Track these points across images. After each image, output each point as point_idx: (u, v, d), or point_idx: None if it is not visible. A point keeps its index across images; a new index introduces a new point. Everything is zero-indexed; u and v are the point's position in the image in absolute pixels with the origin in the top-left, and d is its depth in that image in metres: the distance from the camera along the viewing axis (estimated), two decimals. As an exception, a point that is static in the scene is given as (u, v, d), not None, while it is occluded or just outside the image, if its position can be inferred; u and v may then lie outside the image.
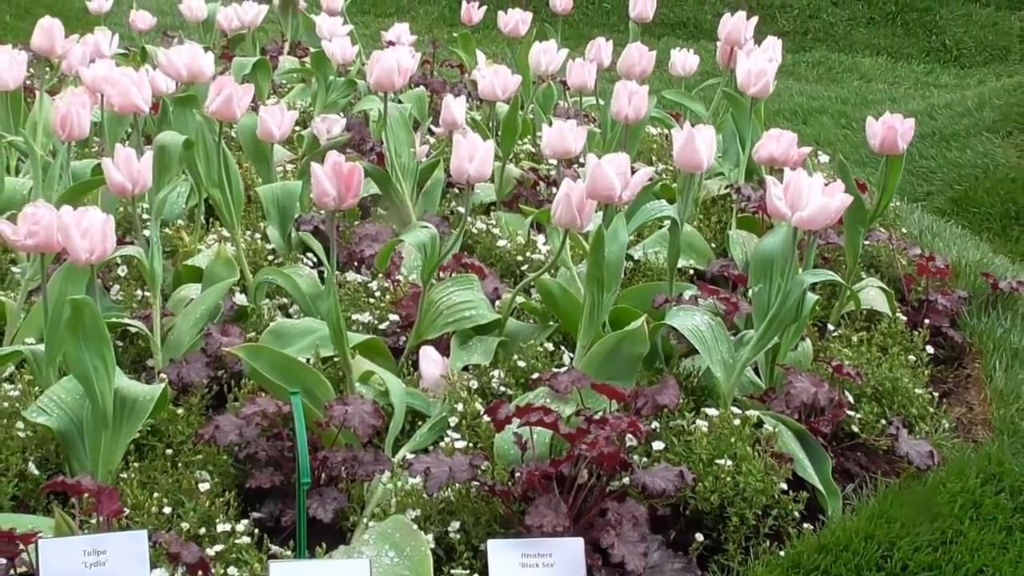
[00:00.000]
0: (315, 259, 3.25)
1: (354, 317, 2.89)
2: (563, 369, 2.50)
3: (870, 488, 2.49)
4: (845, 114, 6.97)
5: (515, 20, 4.53)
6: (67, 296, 2.20)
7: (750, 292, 2.64)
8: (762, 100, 3.50)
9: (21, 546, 1.92)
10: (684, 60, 4.42)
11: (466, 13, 5.02)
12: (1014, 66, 8.15)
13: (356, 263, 3.18)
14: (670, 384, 2.42)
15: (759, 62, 3.37)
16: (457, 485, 2.20)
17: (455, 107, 3.49)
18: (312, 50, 4.73)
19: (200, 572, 1.96)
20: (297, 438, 1.98)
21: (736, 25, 3.85)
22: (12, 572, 1.92)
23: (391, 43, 4.59)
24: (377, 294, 2.99)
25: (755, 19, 3.95)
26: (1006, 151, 5.79)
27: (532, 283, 2.85)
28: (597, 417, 2.21)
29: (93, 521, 2.05)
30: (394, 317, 2.89)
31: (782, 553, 2.24)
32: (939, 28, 8.56)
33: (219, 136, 2.90)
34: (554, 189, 3.38)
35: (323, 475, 2.29)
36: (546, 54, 3.91)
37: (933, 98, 7.13)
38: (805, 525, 2.31)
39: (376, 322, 2.89)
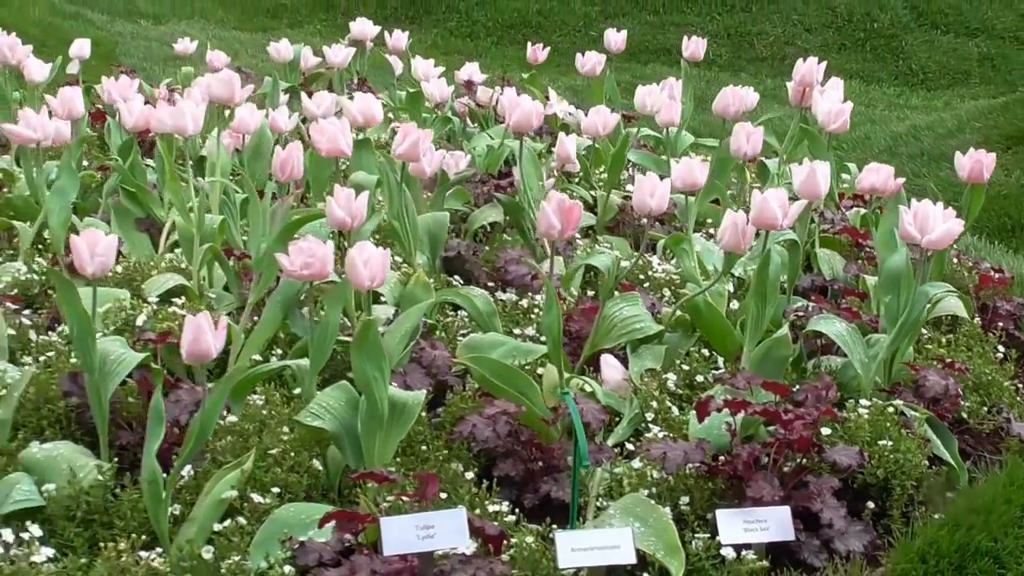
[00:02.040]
0: (460, 281, 3.66)
1: (515, 331, 3.33)
2: (724, 371, 2.98)
3: (987, 464, 2.99)
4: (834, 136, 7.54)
5: (592, 62, 5.00)
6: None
7: (874, 303, 3.13)
8: (840, 135, 4.02)
9: (360, 525, 2.33)
10: (742, 96, 4.87)
11: (532, 54, 5.48)
12: (974, 88, 8.81)
13: (503, 284, 3.61)
14: (826, 380, 2.90)
15: (836, 102, 3.88)
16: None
17: (568, 144, 3.95)
18: (369, 86, 5.15)
19: (499, 543, 2.39)
20: (575, 429, 2.41)
21: (809, 69, 4.35)
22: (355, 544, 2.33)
23: (469, 83, 5.02)
24: (535, 311, 3.42)
25: (824, 63, 4.47)
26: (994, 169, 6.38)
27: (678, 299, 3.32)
28: (789, 409, 2.68)
29: (386, 504, 2.47)
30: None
31: (936, 516, 2.73)
32: (905, 54, 9.19)
33: (401, 176, 3.32)
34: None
35: (550, 464, 2.73)
36: (651, 96, 4.37)
37: (911, 119, 7.74)
38: (948, 495, 2.81)
39: (538, 335, 3.32)
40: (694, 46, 5.05)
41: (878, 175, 3.58)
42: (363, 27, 5.67)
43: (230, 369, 3.05)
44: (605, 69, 5.02)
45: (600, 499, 2.68)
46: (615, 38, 5.24)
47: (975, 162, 3.40)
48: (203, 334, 2.31)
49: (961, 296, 3.68)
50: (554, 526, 2.54)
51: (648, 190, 2.97)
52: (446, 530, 2.31)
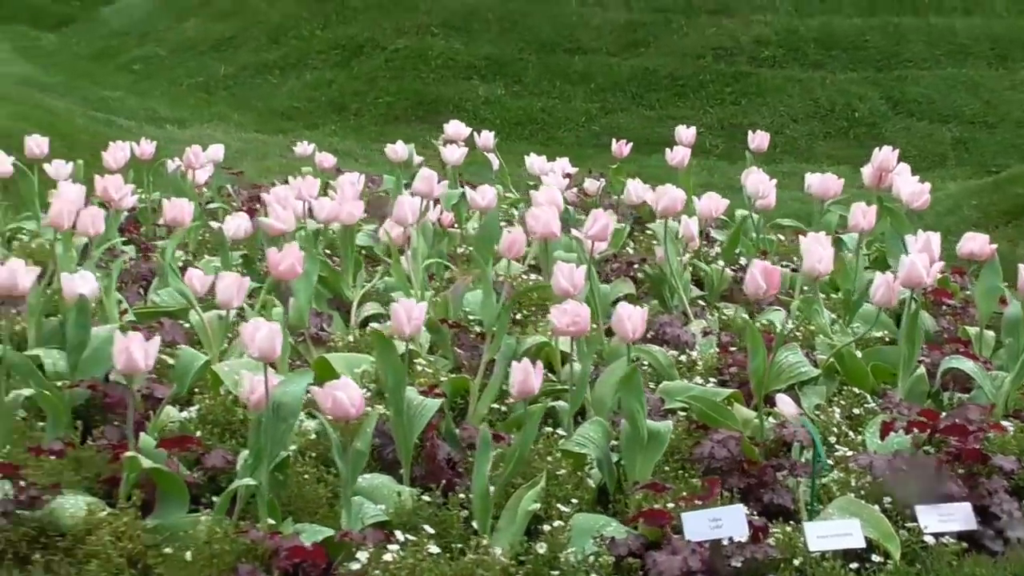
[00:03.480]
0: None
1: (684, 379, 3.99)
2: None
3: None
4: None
5: (680, 155, 5.75)
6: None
7: (977, 347, 3.85)
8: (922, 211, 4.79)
9: (665, 520, 2.96)
10: (824, 183, 5.50)
11: (617, 150, 6.21)
12: (952, 169, 9.73)
13: (662, 342, 4.27)
14: (971, 407, 3.59)
15: (915, 183, 4.65)
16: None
17: (692, 225, 4.66)
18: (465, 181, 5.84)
19: (764, 532, 3.03)
20: (815, 444, 3.08)
21: (886, 157, 5.11)
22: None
23: (568, 175, 5.72)
24: (699, 363, 4.09)
25: (898, 150, 5.25)
26: (999, 244, 7.21)
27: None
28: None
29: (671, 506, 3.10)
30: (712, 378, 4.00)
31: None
32: (886, 140, 10.08)
33: (590, 254, 4.00)
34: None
35: (762, 479, 3.37)
36: (763, 185, 5.08)
37: (906, 200, 8.58)
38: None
39: (704, 382, 3.98)
40: (760, 139, 5.83)
41: (975, 242, 4.33)
42: (457, 128, 6.36)
43: (469, 415, 3.68)
44: (689, 161, 5.77)
45: (811, 503, 3.33)
46: (686, 134, 5.99)
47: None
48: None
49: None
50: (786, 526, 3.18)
51: (817, 256, 3.68)
52: (730, 522, 2.94)
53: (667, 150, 5.89)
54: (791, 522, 3.17)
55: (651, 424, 3.30)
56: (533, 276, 4.89)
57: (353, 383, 2.98)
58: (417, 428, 3.27)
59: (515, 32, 11.80)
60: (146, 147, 5.52)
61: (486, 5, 12.15)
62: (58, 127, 9.98)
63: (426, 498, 3.15)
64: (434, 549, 2.85)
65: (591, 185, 5.67)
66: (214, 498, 3.14)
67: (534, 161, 5.66)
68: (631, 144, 6.61)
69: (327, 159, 6.07)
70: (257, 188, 6.13)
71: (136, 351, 3.01)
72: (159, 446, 3.24)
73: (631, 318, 3.29)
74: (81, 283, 3.61)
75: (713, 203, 4.80)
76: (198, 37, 13.72)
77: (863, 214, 4.48)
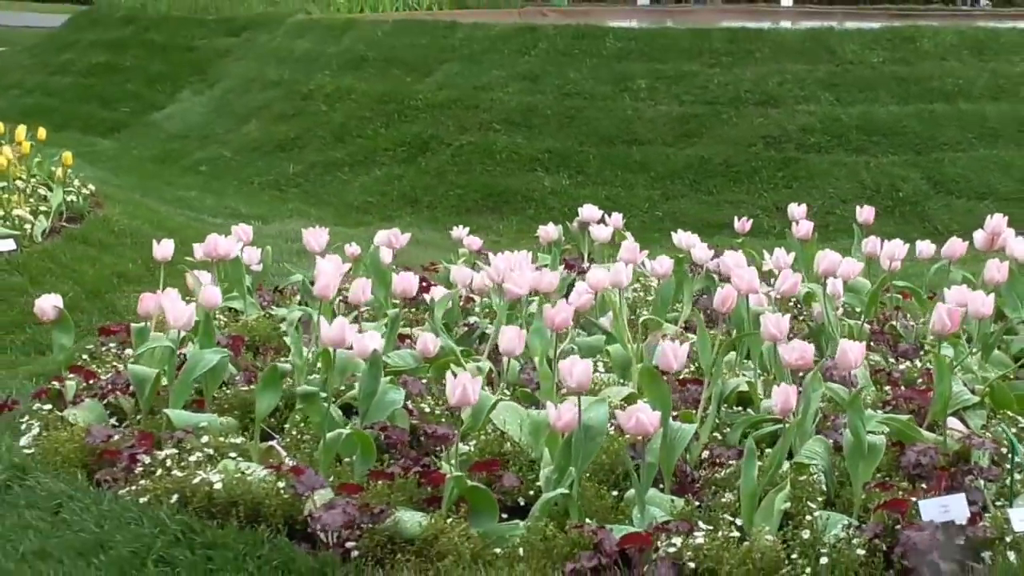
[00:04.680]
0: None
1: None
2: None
3: None
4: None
5: (805, 229, 6.51)
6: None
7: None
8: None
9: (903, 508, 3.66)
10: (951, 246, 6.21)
11: (740, 226, 6.97)
12: (993, 242, 10.53)
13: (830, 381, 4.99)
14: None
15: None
16: None
17: (838, 285, 5.43)
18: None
19: (979, 517, 3.73)
20: (1012, 451, 3.79)
21: (999, 221, 5.92)
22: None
23: (712, 247, 6.46)
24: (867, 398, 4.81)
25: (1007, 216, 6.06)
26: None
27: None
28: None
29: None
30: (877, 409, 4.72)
31: None
32: (929, 217, 10.95)
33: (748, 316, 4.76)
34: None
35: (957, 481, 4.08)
36: (898, 250, 5.85)
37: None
38: None
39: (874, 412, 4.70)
40: (867, 213, 6.64)
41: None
42: (590, 211, 7.12)
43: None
44: (815, 235, 6.55)
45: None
46: (798, 211, 6.77)
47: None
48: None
49: None
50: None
51: (980, 302, 4.43)
52: (955, 508, 3.65)
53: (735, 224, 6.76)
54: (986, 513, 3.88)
55: (869, 438, 4.02)
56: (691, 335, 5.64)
57: (648, 407, 3.70)
58: (678, 449, 3.98)
59: (573, 127, 12.64)
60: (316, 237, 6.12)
61: (544, 103, 13.01)
62: (166, 224, 10.75)
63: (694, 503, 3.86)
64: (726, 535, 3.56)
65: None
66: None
67: (681, 236, 6.41)
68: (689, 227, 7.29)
69: (474, 242, 6.81)
70: (431, 268, 6.94)
71: (470, 388, 3.72)
72: (472, 469, 3.94)
73: (854, 351, 4.03)
74: (370, 341, 4.32)
75: (851, 267, 5.56)
76: (262, 138, 14.51)
77: (997, 269, 5.25)
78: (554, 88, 13.25)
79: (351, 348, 4.35)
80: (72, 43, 20.60)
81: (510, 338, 4.23)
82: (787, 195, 11.36)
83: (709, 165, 11.80)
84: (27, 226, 8.60)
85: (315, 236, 5.82)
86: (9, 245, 8.34)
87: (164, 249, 5.47)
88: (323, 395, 4.27)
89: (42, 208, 9.04)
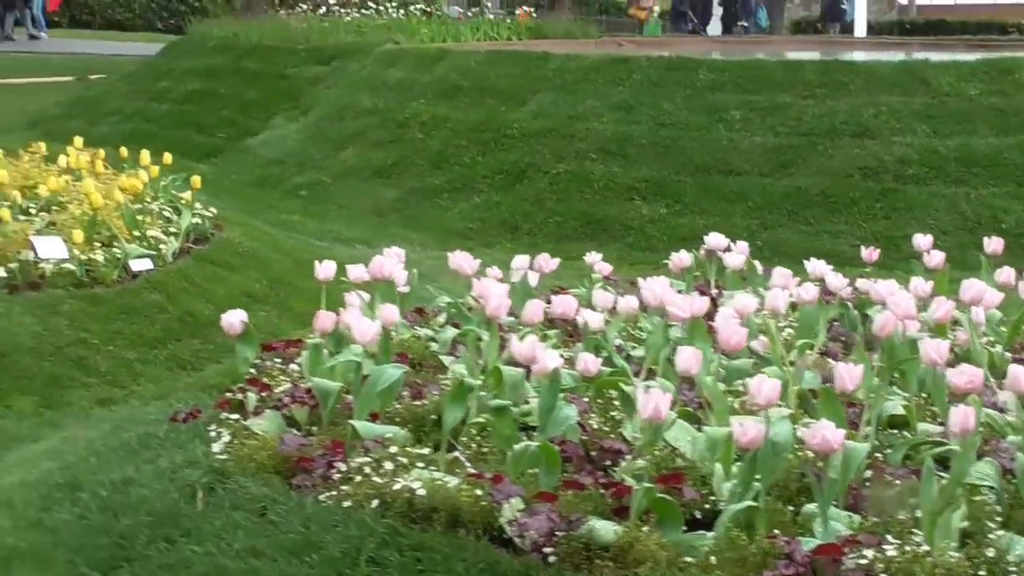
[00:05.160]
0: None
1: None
2: None
3: None
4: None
5: (938, 259, 6.69)
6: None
7: None
8: None
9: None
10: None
11: (867, 255, 7.15)
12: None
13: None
14: None
15: None
16: None
17: (980, 314, 5.60)
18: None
19: None
20: None
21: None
22: None
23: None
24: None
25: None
26: None
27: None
28: None
29: None
30: None
31: None
32: None
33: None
34: None
35: None
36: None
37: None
38: None
39: None
40: (995, 244, 6.80)
41: None
42: (717, 240, 7.33)
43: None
44: (947, 264, 6.74)
45: None
46: (924, 242, 6.92)
47: None
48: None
49: None
50: None
51: None
52: None
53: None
54: None
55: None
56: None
57: (832, 424, 3.89)
58: (853, 467, 4.17)
59: (669, 156, 12.86)
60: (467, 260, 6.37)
61: (639, 132, 13.25)
62: (281, 246, 11.11)
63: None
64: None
65: (863, 283, 6.56)
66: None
67: (814, 264, 6.58)
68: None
69: (605, 267, 7.03)
70: (560, 291, 7.15)
71: (662, 405, 3.94)
72: (658, 481, 4.15)
73: None
74: (551, 358, 4.55)
75: (992, 297, 5.73)
76: (359, 164, 14.86)
77: None
78: (648, 118, 13.49)
79: (528, 366, 4.57)
80: (168, 71, 21.13)
81: (687, 358, 4.44)
82: (886, 226, 11.53)
83: (806, 195, 11.97)
84: (162, 247, 8.94)
85: (465, 260, 6.06)
86: (146, 264, 8.70)
87: (326, 270, 5.73)
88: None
89: (171, 229, 9.40)
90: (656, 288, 5.41)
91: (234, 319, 5.15)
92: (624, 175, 12.75)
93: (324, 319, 5.11)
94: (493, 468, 4.43)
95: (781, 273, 5.81)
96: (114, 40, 37.19)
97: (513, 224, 12.64)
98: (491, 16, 26.05)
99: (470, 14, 27.61)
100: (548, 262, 6.20)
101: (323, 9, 25.81)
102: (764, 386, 3.86)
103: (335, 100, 17.21)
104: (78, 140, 10.77)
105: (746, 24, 29.78)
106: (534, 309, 4.99)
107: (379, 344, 4.90)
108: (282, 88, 18.86)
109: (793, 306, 6.13)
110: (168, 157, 10.62)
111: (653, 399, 3.97)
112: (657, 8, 30.05)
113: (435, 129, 14.73)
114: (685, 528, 4.11)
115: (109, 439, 5.46)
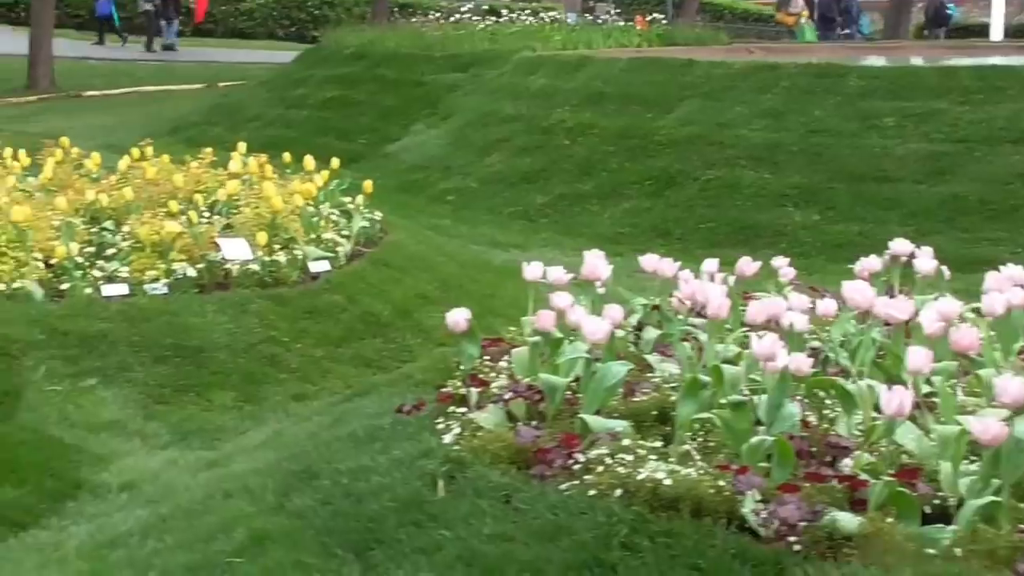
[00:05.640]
0: None
1: None
2: None
3: None
4: None
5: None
6: None
7: None
8: None
9: None
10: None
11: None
12: None
13: None
14: None
15: None
16: None
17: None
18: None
19: None
20: None
21: None
22: None
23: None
24: None
25: None
26: None
27: None
28: None
29: None
30: None
31: None
32: None
33: None
34: None
35: None
36: None
37: None
38: None
39: None
40: None
41: None
42: (902, 245, 7.40)
43: None
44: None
45: None
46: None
47: None
48: None
49: None
50: None
51: None
52: None
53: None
54: None
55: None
56: None
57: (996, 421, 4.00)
58: None
59: (820, 163, 12.88)
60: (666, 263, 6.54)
61: (789, 139, 13.29)
62: (444, 249, 11.38)
63: None
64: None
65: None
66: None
67: (1008, 271, 6.65)
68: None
69: (789, 272, 7.14)
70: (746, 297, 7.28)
71: (906, 401, 4.07)
72: (896, 476, 4.27)
73: None
74: (783, 358, 4.69)
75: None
76: (506, 170, 15.12)
77: None
78: (798, 125, 13.52)
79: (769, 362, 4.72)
80: (305, 79, 21.67)
81: (919, 358, 4.55)
82: (1049, 233, 11.38)
83: (964, 203, 11.90)
84: (339, 249, 9.26)
85: (662, 263, 6.21)
86: (324, 266, 9.01)
87: (534, 271, 5.92)
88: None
89: (344, 233, 9.72)
90: (865, 291, 5.50)
91: (459, 317, 5.37)
92: (775, 182, 12.80)
93: (545, 318, 5.30)
94: (719, 461, 4.59)
95: (998, 277, 5.84)
96: (238, 48, 38.20)
97: (664, 230, 12.77)
98: (607, 22, 26.24)
99: (582, 21, 27.86)
100: (749, 266, 6.32)
101: (454, 17, 26.24)
102: (1011, 385, 3.96)
103: (475, 107, 17.52)
104: (242, 146, 11.18)
105: (849, 31, 29.33)
106: (759, 309, 5.12)
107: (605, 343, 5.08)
108: (420, 95, 19.24)
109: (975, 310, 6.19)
110: (336, 162, 10.94)
111: (897, 396, 4.09)
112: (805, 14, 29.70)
113: (581, 135, 14.93)
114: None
115: (334, 430, 5.72)
